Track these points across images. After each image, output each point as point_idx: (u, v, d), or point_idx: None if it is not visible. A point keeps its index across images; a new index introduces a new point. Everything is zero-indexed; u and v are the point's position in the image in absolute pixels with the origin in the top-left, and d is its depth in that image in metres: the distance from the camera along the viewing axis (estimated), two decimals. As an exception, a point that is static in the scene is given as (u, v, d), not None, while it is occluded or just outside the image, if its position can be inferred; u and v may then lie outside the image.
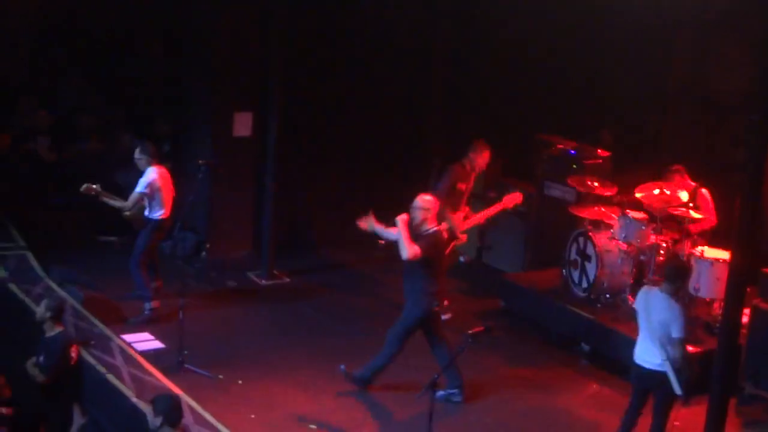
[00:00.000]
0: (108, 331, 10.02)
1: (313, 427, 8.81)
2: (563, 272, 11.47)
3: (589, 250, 11.03)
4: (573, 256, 11.26)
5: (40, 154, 13.58)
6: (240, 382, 9.51)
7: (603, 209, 11.20)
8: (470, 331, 7.48)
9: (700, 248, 10.51)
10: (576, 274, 11.21)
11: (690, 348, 8.51)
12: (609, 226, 11.12)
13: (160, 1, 13.72)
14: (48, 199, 13.27)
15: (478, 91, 14.27)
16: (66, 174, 13.26)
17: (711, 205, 11.01)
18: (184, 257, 11.72)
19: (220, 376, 9.54)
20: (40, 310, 8.69)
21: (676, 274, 8.20)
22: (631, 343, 9.38)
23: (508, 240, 13.05)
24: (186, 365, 9.55)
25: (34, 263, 11.45)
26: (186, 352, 9.65)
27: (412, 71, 13.97)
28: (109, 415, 8.92)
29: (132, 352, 9.65)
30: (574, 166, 12.10)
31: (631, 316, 10.28)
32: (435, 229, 9.20)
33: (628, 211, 10.95)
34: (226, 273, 12.38)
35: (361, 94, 13.45)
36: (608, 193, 11.30)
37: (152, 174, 10.54)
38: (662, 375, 7.99)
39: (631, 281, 10.81)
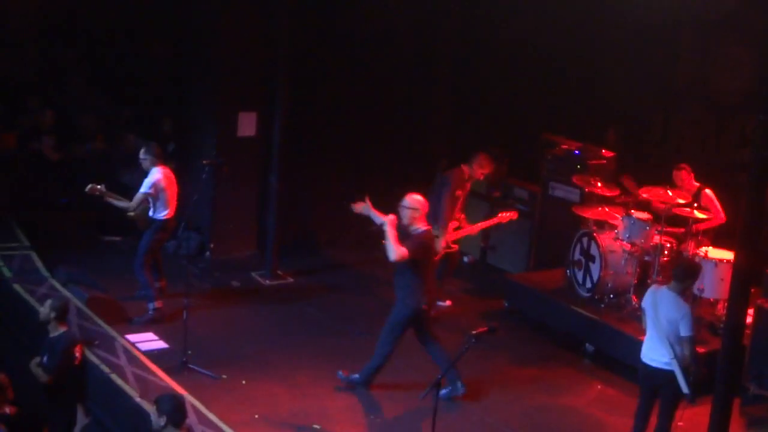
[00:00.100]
0: (112, 331, 10.02)
1: (316, 427, 8.81)
2: (567, 272, 11.47)
3: (593, 251, 11.02)
4: (577, 256, 11.25)
5: (45, 153, 13.61)
6: (244, 382, 9.51)
7: (607, 209, 11.19)
8: (474, 332, 7.46)
9: (704, 249, 10.50)
10: (580, 275, 11.20)
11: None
12: (613, 227, 11.12)
13: (165, 1, 13.73)
14: (53, 199, 13.30)
15: (482, 91, 14.27)
16: (71, 174, 13.30)
17: (717, 203, 11.00)
18: (188, 257, 11.72)
19: (224, 376, 9.55)
20: (44, 310, 8.67)
21: (685, 273, 8.20)
22: (635, 344, 9.38)
23: (512, 240, 13.04)
24: (190, 365, 9.55)
25: (39, 263, 11.47)
26: (190, 352, 9.66)
27: (416, 71, 13.98)
28: (113, 415, 8.93)
29: (136, 352, 9.66)
30: (579, 166, 12.10)
31: (636, 316, 10.32)
32: (423, 229, 9.17)
33: (632, 211, 10.94)
34: (230, 273, 12.40)
35: (364, 95, 13.46)
36: (612, 194, 11.31)
37: (157, 174, 10.55)
38: (669, 373, 7.98)
39: (635, 282, 10.81)
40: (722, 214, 10.98)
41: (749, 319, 8.92)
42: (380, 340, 9.33)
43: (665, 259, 10.61)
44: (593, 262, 11.01)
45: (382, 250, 9.02)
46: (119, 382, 8.93)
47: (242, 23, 12.52)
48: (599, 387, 10.11)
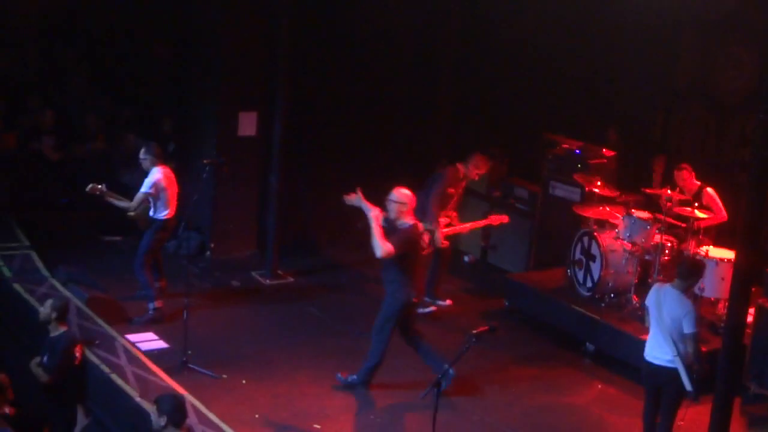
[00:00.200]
0: (112, 331, 10.02)
1: (317, 426, 8.80)
2: (568, 272, 11.46)
3: (594, 250, 11.02)
4: (578, 255, 11.25)
5: (45, 153, 13.61)
6: (244, 381, 9.51)
7: (608, 209, 11.19)
8: (474, 331, 7.45)
9: (704, 248, 10.50)
10: (581, 274, 11.20)
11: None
12: (614, 226, 11.11)
13: (165, 1, 13.73)
14: (53, 199, 13.29)
15: (482, 90, 14.27)
16: (71, 173, 13.30)
17: (719, 202, 10.99)
18: (189, 257, 11.71)
19: (224, 376, 9.54)
20: (45, 310, 8.67)
21: (689, 271, 8.21)
22: (636, 343, 9.39)
23: (513, 240, 13.03)
24: (190, 365, 9.55)
25: (39, 263, 11.46)
26: (190, 351, 9.65)
27: (417, 71, 13.97)
28: (113, 415, 8.92)
29: (136, 352, 9.66)
30: (580, 165, 12.09)
31: (636, 315, 10.32)
32: (410, 223, 9.15)
33: (632, 210, 10.94)
34: (230, 273, 12.39)
35: (366, 95, 13.46)
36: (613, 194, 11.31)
37: (157, 174, 10.54)
38: (672, 371, 7.98)
39: (636, 281, 10.80)
40: (724, 213, 10.98)
41: (750, 319, 8.90)
42: (373, 339, 9.34)
43: (666, 258, 10.60)
44: (594, 261, 11.01)
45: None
46: (119, 382, 8.92)
47: (243, 23, 12.51)
48: (599, 386, 10.10)
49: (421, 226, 9.55)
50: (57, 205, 13.23)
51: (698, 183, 11.12)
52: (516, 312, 11.62)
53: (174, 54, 13.93)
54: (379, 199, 9.32)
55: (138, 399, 8.60)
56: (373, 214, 8.96)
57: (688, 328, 7.94)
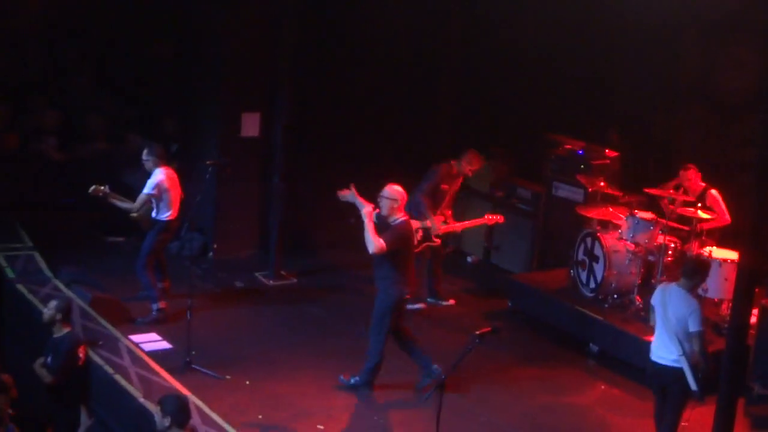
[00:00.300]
0: (116, 332, 10.01)
1: (320, 427, 8.80)
2: (571, 272, 11.46)
3: (597, 251, 11.01)
4: (581, 256, 11.25)
5: (48, 154, 13.61)
6: (247, 382, 9.51)
7: (611, 209, 11.19)
8: (477, 332, 7.45)
9: (708, 249, 10.49)
10: (584, 275, 11.20)
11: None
12: (617, 227, 11.10)
13: (168, 2, 13.73)
14: (56, 200, 13.29)
15: (484, 90, 14.26)
16: (74, 174, 13.28)
17: (722, 204, 10.99)
18: (192, 258, 11.68)
19: (228, 377, 9.54)
20: (49, 310, 8.69)
21: (694, 270, 8.21)
22: (639, 344, 9.40)
23: (516, 240, 13.03)
24: (193, 366, 9.55)
25: (42, 264, 11.45)
26: (193, 352, 9.65)
27: (419, 71, 13.96)
28: (117, 415, 8.92)
29: (139, 353, 9.64)
30: (582, 166, 12.09)
31: (640, 316, 10.32)
32: (402, 219, 9.15)
33: (636, 211, 10.93)
34: (233, 273, 12.39)
35: (367, 95, 13.45)
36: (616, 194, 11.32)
37: (160, 175, 10.55)
38: (678, 371, 7.97)
39: (639, 282, 10.80)
40: (727, 215, 10.96)
41: (754, 319, 8.92)
42: (371, 339, 9.35)
43: (669, 259, 10.60)
44: (597, 262, 11.00)
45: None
46: (123, 382, 8.91)
47: (245, 24, 12.52)
48: (603, 387, 10.10)
49: (415, 223, 9.56)
50: (60, 205, 13.22)
51: (703, 184, 11.10)
52: (519, 312, 11.62)
53: (177, 54, 13.94)
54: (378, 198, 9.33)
55: (141, 399, 8.59)
56: (367, 210, 9.00)
57: (693, 327, 7.93)
